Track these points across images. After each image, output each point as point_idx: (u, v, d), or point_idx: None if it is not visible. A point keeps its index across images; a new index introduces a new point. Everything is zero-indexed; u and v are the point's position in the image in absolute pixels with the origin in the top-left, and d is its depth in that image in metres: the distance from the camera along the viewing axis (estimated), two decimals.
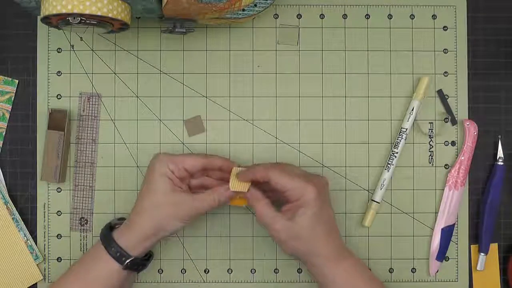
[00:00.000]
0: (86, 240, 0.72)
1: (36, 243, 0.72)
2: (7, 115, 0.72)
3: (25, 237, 0.72)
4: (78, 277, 0.65)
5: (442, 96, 0.73)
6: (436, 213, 0.73)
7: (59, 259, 0.72)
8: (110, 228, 0.66)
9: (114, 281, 0.64)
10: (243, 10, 0.67)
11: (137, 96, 0.73)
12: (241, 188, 0.64)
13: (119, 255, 0.63)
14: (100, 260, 0.64)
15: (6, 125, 0.73)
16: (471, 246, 0.73)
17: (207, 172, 0.68)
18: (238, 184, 0.65)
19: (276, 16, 0.73)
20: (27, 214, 0.72)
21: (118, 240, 0.64)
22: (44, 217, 0.72)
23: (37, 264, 0.72)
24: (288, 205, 0.64)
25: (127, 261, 0.63)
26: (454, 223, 0.72)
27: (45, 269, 0.72)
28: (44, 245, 0.72)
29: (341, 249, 0.65)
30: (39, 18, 0.70)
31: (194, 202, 0.64)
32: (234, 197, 0.66)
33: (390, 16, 0.73)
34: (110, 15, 0.59)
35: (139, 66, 0.73)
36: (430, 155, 0.73)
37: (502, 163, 0.72)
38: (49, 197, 0.72)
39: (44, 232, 0.72)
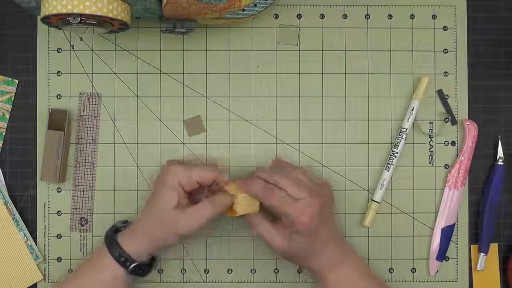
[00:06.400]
0: (86, 240, 0.72)
1: (36, 243, 0.72)
2: (7, 115, 0.72)
3: (25, 237, 0.72)
4: (82, 282, 0.64)
5: (442, 96, 0.73)
6: (436, 213, 0.73)
7: (59, 259, 0.72)
8: (115, 231, 0.66)
9: (119, 286, 0.63)
10: (243, 10, 0.67)
11: (137, 96, 0.73)
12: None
13: (123, 260, 0.63)
14: (105, 265, 0.63)
15: (6, 125, 0.72)
16: (471, 246, 0.73)
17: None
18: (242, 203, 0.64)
19: (276, 16, 0.73)
20: (27, 214, 0.72)
21: (122, 244, 0.64)
22: (44, 217, 0.72)
23: (37, 264, 0.72)
24: (283, 223, 0.63)
25: (131, 266, 0.63)
26: (454, 223, 0.72)
27: (45, 269, 0.72)
28: (44, 245, 0.72)
29: (342, 254, 0.65)
30: (39, 18, 0.70)
31: (193, 217, 0.63)
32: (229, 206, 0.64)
33: (390, 16, 0.73)
34: (110, 15, 0.59)
35: (139, 66, 0.73)
36: (430, 155, 0.73)
37: (502, 163, 0.72)
38: (49, 197, 0.72)
39: (44, 232, 0.72)
